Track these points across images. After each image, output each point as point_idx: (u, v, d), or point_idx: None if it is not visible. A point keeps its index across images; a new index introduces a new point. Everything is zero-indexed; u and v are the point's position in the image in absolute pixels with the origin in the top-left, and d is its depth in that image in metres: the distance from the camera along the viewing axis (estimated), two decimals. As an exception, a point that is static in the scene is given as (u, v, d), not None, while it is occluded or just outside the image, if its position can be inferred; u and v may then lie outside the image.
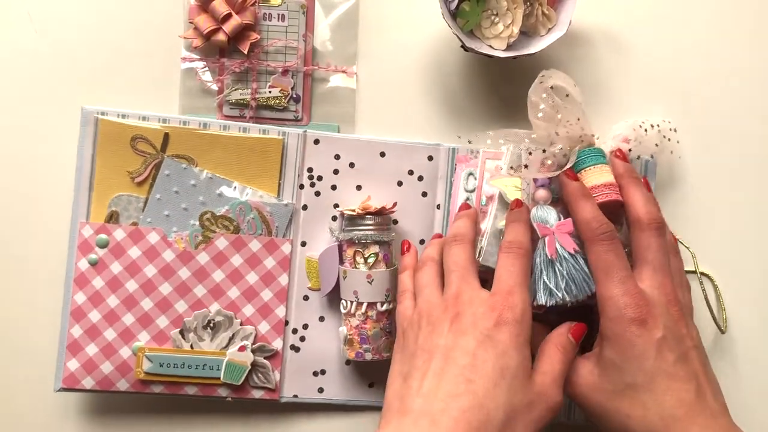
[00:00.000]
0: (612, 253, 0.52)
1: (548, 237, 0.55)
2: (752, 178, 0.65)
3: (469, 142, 0.60)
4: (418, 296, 0.55)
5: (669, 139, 0.62)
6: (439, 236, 0.61)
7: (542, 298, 0.54)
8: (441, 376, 0.47)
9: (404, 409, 0.47)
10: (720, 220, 0.65)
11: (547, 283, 0.54)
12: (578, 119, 0.56)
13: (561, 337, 0.53)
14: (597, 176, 0.56)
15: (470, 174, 0.61)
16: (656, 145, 0.61)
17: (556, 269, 0.54)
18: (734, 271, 0.64)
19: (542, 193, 0.56)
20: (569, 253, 0.54)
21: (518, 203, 0.55)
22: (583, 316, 0.57)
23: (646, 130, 0.61)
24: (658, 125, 0.62)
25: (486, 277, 0.55)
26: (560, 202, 0.57)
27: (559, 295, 0.54)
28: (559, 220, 0.55)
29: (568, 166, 0.56)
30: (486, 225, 0.59)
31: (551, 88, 0.55)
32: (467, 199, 0.61)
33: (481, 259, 0.58)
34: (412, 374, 0.48)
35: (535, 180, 0.57)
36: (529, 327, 0.50)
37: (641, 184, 0.56)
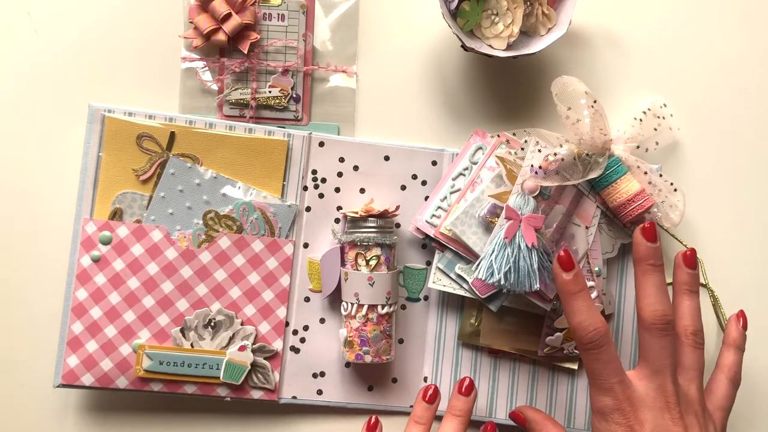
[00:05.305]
0: (599, 362, 0.50)
1: (512, 222, 0.55)
2: (753, 180, 0.64)
3: (513, 134, 0.60)
4: None
5: (663, 117, 0.62)
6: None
7: (482, 273, 0.55)
8: None
9: None
10: (720, 228, 0.64)
11: (493, 262, 0.55)
12: (601, 129, 0.57)
13: None
14: (631, 184, 0.57)
15: (479, 148, 0.61)
16: (655, 129, 0.61)
17: (506, 253, 0.55)
18: (731, 283, 0.64)
19: (530, 183, 0.56)
20: (525, 245, 0.55)
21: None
22: (538, 323, 0.59)
23: (640, 120, 0.61)
24: (648, 108, 0.61)
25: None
26: (550, 202, 0.58)
27: (498, 277, 0.54)
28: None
29: (596, 175, 0.56)
30: (474, 194, 0.59)
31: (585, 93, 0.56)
32: (466, 168, 0.61)
33: (450, 224, 0.58)
34: None
35: (535, 172, 0.57)
36: None
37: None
